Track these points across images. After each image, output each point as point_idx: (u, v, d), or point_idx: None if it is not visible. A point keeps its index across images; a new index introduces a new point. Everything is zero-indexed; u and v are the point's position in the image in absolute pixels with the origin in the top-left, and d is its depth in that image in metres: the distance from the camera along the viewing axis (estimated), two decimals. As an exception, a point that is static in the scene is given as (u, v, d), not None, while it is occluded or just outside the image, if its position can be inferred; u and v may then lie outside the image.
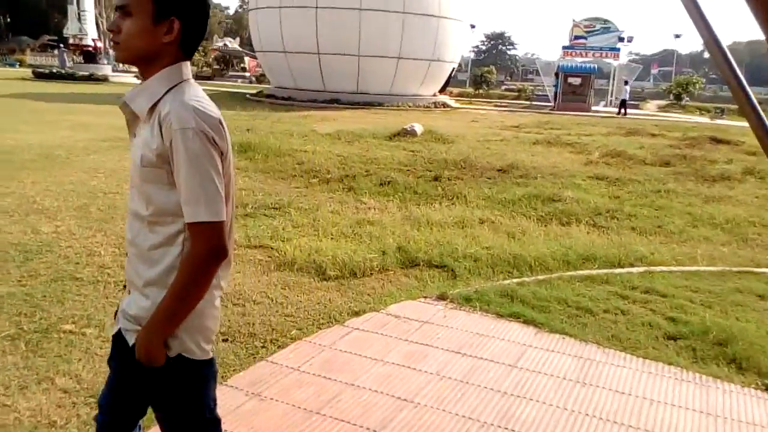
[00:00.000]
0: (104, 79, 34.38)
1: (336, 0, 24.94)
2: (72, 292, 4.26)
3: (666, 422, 2.97)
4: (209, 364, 1.70)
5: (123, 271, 4.62)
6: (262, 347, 3.59)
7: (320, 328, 3.86)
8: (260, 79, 41.27)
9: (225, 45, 56.68)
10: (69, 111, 16.90)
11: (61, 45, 45.94)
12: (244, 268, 4.93)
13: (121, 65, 44.31)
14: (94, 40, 39.40)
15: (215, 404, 1.78)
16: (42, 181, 7.65)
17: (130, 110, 1.60)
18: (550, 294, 4.51)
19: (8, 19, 76.69)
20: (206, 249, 1.50)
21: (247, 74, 48.84)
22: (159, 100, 1.54)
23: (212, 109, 1.55)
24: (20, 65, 49.28)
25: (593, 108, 32.52)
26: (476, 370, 3.35)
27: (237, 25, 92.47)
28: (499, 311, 4.18)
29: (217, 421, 1.80)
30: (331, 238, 5.78)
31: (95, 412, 2.85)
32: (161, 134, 1.49)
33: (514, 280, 4.84)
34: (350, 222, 6.40)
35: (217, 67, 52.00)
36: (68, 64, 39.52)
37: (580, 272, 5.11)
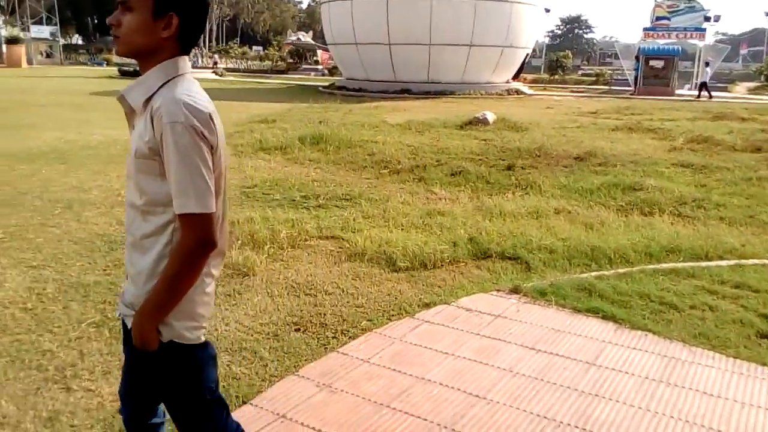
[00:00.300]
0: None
1: (407, -11, 24.84)
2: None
3: (759, 427, 2.76)
4: (203, 347, 1.73)
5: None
6: (333, 338, 3.60)
7: (390, 320, 3.83)
8: (333, 71, 41.73)
9: (298, 39, 57.74)
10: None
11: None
12: (316, 258, 4.97)
13: (199, 61, 45.96)
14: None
15: (217, 386, 1.81)
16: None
17: (127, 103, 1.64)
18: (632, 288, 4.30)
19: (95, 20, 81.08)
20: (195, 240, 1.53)
21: (320, 67, 49.52)
22: (153, 94, 1.57)
23: (203, 103, 1.56)
24: (107, 64, 51.97)
25: (677, 92, 30.91)
26: (551, 367, 3.23)
27: (310, 19, 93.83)
28: (576, 306, 4.02)
29: (220, 401, 1.83)
30: (402, 229, 5.75)
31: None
32: (153, 127, 1.53)
33: (593, 274, 4.64)
34: (420, 213, 6.34)
35: (291, 60, 52.98)
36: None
37: (664, 265, 4.85)
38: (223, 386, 3.02)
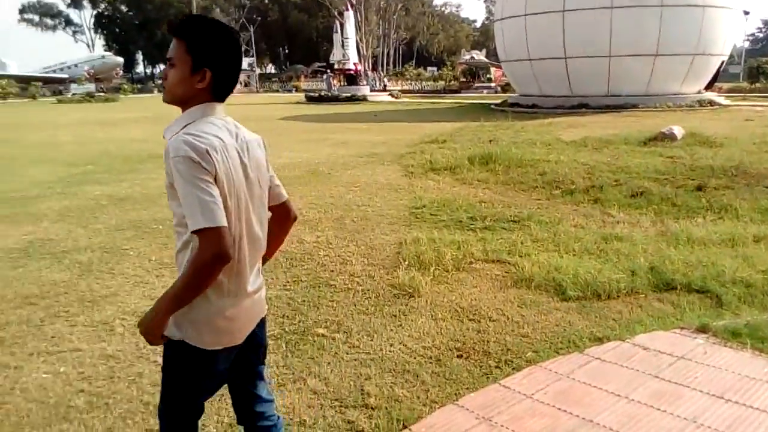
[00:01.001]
0: (363, 99, 37.65)
1: (585, 1, 23.85)
2: (326, 298, 4.66)
3: None
4: (213, 356, 1.94)
5: (371, 280, 4.94)
6: (496, 367, 3.51)
7: (557, 353, 3.65)
8: (505, 88, 41.32)
9: (472, 57, 58.11)
10: (332, 130, 18.78)
11: (328, 70, 51.55)
12: (481, 282, 4.91)
13: (376, 85, 48.15)
14: (355, 63, 43.33)
15: (207, 395, 2.09)
16: (308, 195, 8.59)
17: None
18: None
19: (287, 51, 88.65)
20: (210, 253, 1.71)
21: (493, 84, 49.29)
22: (176, 134, 1.82)
23: (205, 140, 1.78)
24: (296, 90, 56.55)
25: None
26: (744, 421, 2.84)
27: (483, 37, 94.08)
28: (777, 351, 3.52)
29: (197, 412, 2.10)
30: (573, 255, 5.47)
31: (339, 414, 3.07)
32: (167, 162, 1.78)
33: (800, 313, 4.04)
34: (595, 237, 5.99)
35: (463, 79, 53.42)
36: (334, 87, 44.10)
37: None
38: (385, 408, 3.08)
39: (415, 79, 57.71)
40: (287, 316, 4.31)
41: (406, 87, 53.81)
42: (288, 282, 5.03)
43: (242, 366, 2.12)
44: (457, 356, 3.67)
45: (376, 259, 5.57)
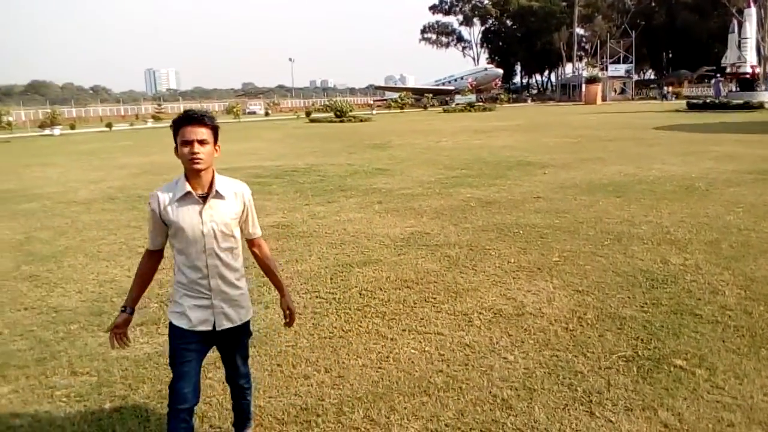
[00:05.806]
0: (759, 106, 32.55)
1: None
2: (689, 328, 4.25)
3: None
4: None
5: (746, 316, 4.33)
6: None
7: None
8: None
9: None
10: (716, 141, 16.77)
11: (718, 74, 46.05)
12: None
13: (780, 89, 41.06)
14: (752, 66, 37.73)
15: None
16: (678, 212, 7.89)
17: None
18: None
19: (670, 55, 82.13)
20: None
21: None
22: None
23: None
24: (676, 97, 52.08)
25: None
26: None
27: None
28: None
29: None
30: None
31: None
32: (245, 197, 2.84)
33: None
34: None
35: None
36: (723, 93, 39.22)
37: None
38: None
39: (837, 82, 47.30)
40: (642, 340, 4.08)
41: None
42: (646, 303, 4.74)
43: None
44: None
45: (756, 294, 4.83)
